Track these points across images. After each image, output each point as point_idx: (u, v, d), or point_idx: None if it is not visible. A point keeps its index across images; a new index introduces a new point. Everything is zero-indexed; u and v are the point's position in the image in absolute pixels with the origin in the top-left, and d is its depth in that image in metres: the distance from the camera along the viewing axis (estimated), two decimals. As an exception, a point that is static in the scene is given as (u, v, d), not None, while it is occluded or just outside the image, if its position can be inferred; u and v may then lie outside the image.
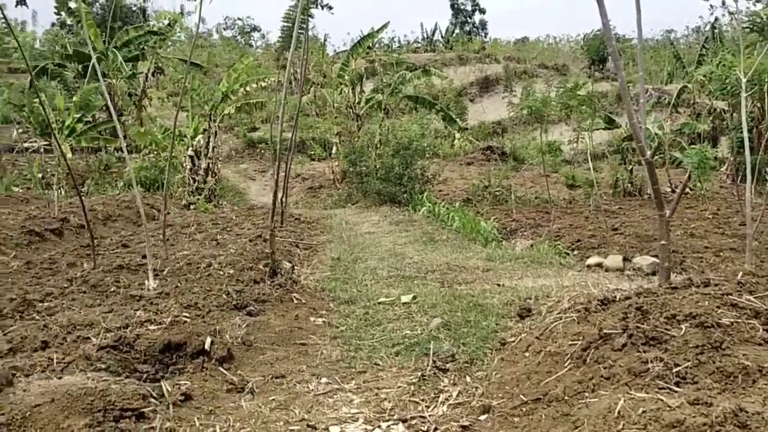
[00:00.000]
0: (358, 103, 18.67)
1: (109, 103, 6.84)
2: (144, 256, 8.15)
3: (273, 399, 3.51)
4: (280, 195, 9.65)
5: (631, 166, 14.97)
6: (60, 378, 3.42)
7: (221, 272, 6.87)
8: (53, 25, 32.01)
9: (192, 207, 15.24)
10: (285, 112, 21.60)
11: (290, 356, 4.24)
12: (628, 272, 6.96)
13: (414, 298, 5.51)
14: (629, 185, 14.92)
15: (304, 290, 5.93)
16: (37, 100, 15.65)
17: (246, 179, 21.35)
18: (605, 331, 3.71)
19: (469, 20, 48.26)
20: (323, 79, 20.07)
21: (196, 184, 15.69)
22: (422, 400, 3.46)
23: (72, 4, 19.84)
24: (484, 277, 6.39)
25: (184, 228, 11.34)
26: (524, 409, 3.25)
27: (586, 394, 3.23)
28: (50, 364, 3.77)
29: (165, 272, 7.00)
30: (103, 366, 3.64)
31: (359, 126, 18.27)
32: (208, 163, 16.04)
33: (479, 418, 3.22)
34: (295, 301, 5.51)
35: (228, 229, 10.86)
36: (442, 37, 42.91)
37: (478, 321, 4.74)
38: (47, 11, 72.18)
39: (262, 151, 22.72)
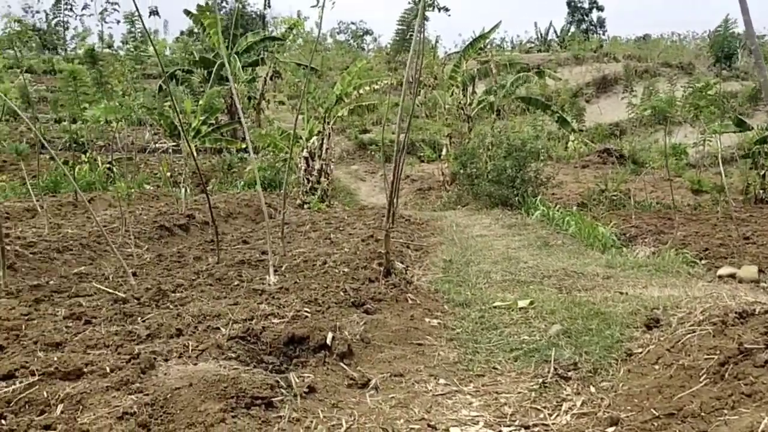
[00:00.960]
0: (470, 104, 18.55)
1: (238, 104, 7.18)
2: (263, 252, 8.52)
3: (392, 397, 3.55)
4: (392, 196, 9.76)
5: (764, 171, 13.91)
6: (195, 364, 3.63)
7: (336, 270, 7.04)
8: (182, 33, 34.15)
9: (306, 206, 15.74)
10: (397, 114, 21.84)
11: (407, 355, 4.26)
12: (764, 284, 6.46)
13: (531, 303, 5.39)
14: (761, 191, 13.86)
15: (418, 291, 5.95)
16: (167, 103, 16.75)
17: (356, 180, 21.79)
18: (746, 345, 3.47)
19: (586, 18, 46.69)
20: (434, 80, 20.09)
21: (310, 184, 16.18)
22: (544, 408, 3.37)
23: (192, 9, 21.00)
24: (605, 285, 6.14)
25: (299, 226, 11.74)
26: (656, 424, 3.08)
27: (725, 411, 3.02)
28: (185, 351, 4.00)
29: (283, 268, 7.27)
30: (233, 355, 3.82)
31: (470, 128, 18.15)
32: (322, 164, 16.50)
33: (606, 430, 3.09)
34: (410, 302, 5.54)
35: (341, 228, 11.11)
36: (557, 36, 41.79)
37: (600, 329, 4.56)
38: (177, 21, 77.19)
39: (373, 153, 23.08)
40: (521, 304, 5.39)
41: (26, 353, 4.17)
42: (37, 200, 11.84)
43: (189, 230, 11.71)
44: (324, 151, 16.50)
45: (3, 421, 2.89)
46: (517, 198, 13.43)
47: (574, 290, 5.93)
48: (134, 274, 7.10)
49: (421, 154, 21.57)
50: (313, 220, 12.52)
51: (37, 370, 3.67)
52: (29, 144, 17.10)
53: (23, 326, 4.96)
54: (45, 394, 3.29)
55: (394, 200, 6.59)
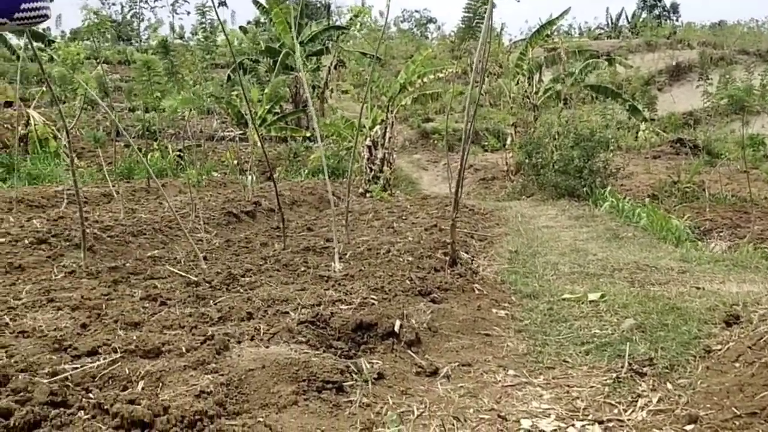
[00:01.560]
0: (536, 92, 18.19)
1: (307, 93, 7.26)
2: (328, 240, 8.61)
3: (461, 386, 3.53)
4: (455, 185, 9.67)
5: None
6: (267, 347, 3.71)
7: (401, 259, 7.04)
8: (248, 23, 34.78)
9: (368, 195, 15.81)
10: (460, 103, 21.62)
11: (475, 345, 4.23)
12: None
13: (602, 296, 5.25)
14: None
15: (484, 281, 5.90)
16: (234, 93, 17.10)
17: (419, 169, 21.73)
18: (836, 345, 3.28)
19: (659, 3, 44.98)
20: (499, 69, 19.80)
21: (373, 173, 16.24)
22: (618, 403, 3.29)
23: None
24: (680, 279, 5.93)
25: (362, 215, 11.81)
26: (737, 423, 2.96)
27: (814, 413, 2.87)
28: (257, 333, 4.09)
29: (347, 256, 7.33)
30: (303, 339, 3.88)
31: (536, 117, 17.81)
32: (384, 153, 16.53)
33: (685, 428, 2.99)
34: (477, 292, 5.49)
35: (403, 217, 11.12)
36: (628, 22, 40.44)
37: (676, 325, 4.40)
38: (245, 11, 78.54)
39: (435, 142, 22.97)
40: (592, 297, 5.26)
41: (107, 331, 4.36)
42: (113, 186, 12.32)
43: (255, 217, 11.96)
44: (387, 140, 16.51)
45: (90, 395, 3.02)
46: (584, 189, 13.10)
47: (648, 284, 5.75)
48: (205, 259, 7.31)
49: (485, 143, 21.31)
50: (375, 208, 12.57)
51: (118, 347, 3.83)
52: (105, 132, 17.80)
53: (103, 306, 5.19)
54: (127, 370, 3.43)
55: (460, 189, 6.55)
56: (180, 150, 16.95)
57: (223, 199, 12.65)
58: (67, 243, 8.14)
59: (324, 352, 3.78)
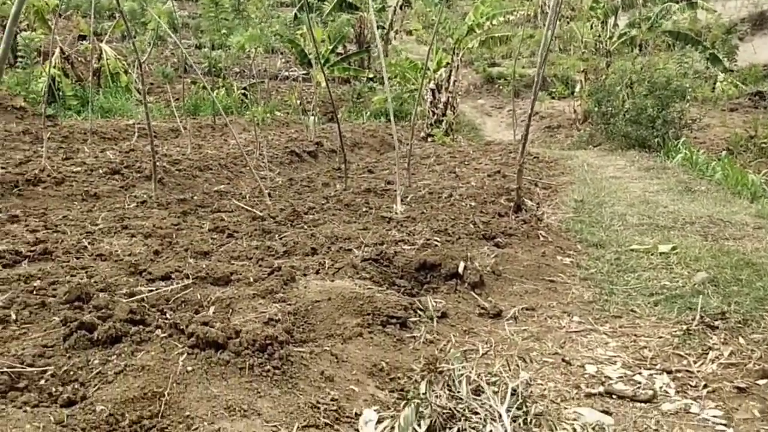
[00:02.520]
0: (609, 38, 17.40)
1: (375, 32, 7.12)
2: (389, 182, 8.61)
3: (525, 329, 3.51)
4: (520, 132, 9.45)
5: None
6: (332, 281, 3.76)
7: (463, 203, 6.99)
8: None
9: (430, 139, 15.66)
10: (528, 47, 20.89)
11: (539, 291, 4.19)
12: None
13: (673, 248, 5.08)
14: None
15: (549, 229, 5.79)
16: (299, 31, 17.00)
17: (482, 115, 21.32)
18: None
19: (747, -56, 41.79)
20: (571, 12, 18.97)
21: (435, 116, 16.03)
22: (688, 355, 3.21)
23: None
24: (756, 235, 5.67)
25: (423, 159, 11.73)
26: (815, 381, 2.85)
27: None
28: (321, 268, 4.16)
29: (409, 199, 7.32)
30: (367, 276, 3.92)
31: (608, 63, 17.09)
32: (448, 97, 16.25)
33: (757, 382, 2.90)
34: (541, 239, 5.41)
35: (465, 162, 10.97)
36: (711, -36, 37.85)
37: (751, 280, 4.23)
38: (307, -51, 77.27)
39: (500, 87, 22.41)
40: (662, 248, 5.10)
41: (178, 259, 4.52)
42: (181, 121, 12.58)
43: (317, 157, 12.05)
44: (451, 84, 16.21)
45: (166, 316, 3.15)
46: (656, 140, 12.59)
47: (721, 239, 5.53)
48: (269, 195, 7.44)
49: (552, 90, 20.65)
50: (437, 153, 12.45)
51: (190, 274, 3.96)
52: (174, 68, 18.08)
53: (174, 235, 5.36)
54: (198, 296, 3.55)
55: (527, 135, 6.37)
56: (245, 88, 17.08)
57: (286, 138, 12.77)
58: (138, 174, 8.41)
59: (387, 288, 3.81)
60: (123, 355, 2.61)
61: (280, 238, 5.25)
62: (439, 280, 4.07)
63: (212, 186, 8.57)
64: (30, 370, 2.51)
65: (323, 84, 18.19)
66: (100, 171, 8.39)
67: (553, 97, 20.50)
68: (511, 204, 6.46)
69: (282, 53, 20.50)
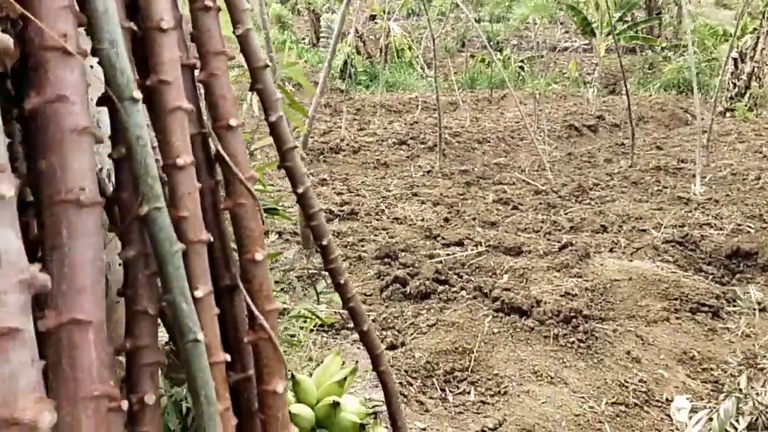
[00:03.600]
0: None
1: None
2: (681, 161, 7.91)
3: None
4: None
5: None
6: (630, 261, 3.60)
7: (775, 187, 6.13)
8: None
9: (729, 114, 13.97)
10: None
11: None
12: None
13: None
14: None
15: None
16: None
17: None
18: None
19: None
20: None
21: (737, 89, 14.22)
22: None
23: None
24: None
25: (722, 136, 10.53)
26: None
27: None
28: (615, 246, 4.00)
29: (707, 179, 6.64)
30: (670, 259, 3.66)
31: None
32: (753, 67, 14.26)
33: None
34: None
35: (776, 141, 9.58)
36: None
37: None
38: None
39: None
40: None
41: (467, 227, 4.70)
42: (459, 95, 12.99)
43: (597, 131, 11.54)
44: (758, 52, 14.18)
45: (464, 279, 3.31)
46: None
47: None
48: (549, 169, 7.34)
49: None
50: (738, 130, 11.07)
51: (480, 242, 4.10)
52: (454, 42, 18.67)
53: (459, 204, 5.60)
54: (491, 263, 3.66)
55: None
56: (521, 61, 16.97)
57: (563, 111, 12.44)
58: (422, 145, 8.93)
59: (694, 274, 3.52)
60: (432, 311, 2.81)
61: (566, 213, 5.16)
62: (755, 269, 3.63)
63: (491, 158, 8.73)
64: (355, 313, 2.83)
65: (602, 53, 17.26)
66: (389, 141, 9.09)
67: None
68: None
69: (561, 23, 19.90)
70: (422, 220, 5.01)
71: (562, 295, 3.01)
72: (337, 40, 3.87)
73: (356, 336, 2.58)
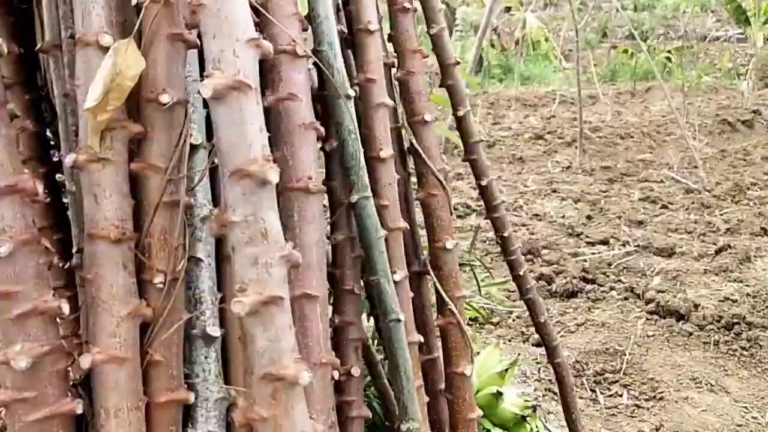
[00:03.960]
0: None
1: None
2: None
3: None
4: None
5: None
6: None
7: None
8: None
9: None
10: None
11: None
12: None
13: None
14: None
15: None
16: (739, -15, 15.06)
17: None
18: None
19: None
20: None
21: None
22: None
23: None
24: None
25: None
26: None
27: None
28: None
29: None
30: None
31: None
32: None
33: None
34: None
35: None
36: None
37: None
38: None
39: None
40: None
41: (612, 225, 4.54)
42: (599, 88, 12.46)
43: (753, 127, 10.64)
44: None
45: (613, 279, 3.21)
46: None
47: None
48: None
49: None
50: None
51: (627, 242, 3.95)
52: (594, 33, 17.94)
53: (602, 201, 5.41)
54: (641, 264, 3.52)
55: None
56: (669, 51, 15.99)
57: (715, 105, 11.59)
58: (560, 140, 8.69)
59: None
60: (580, 310, 2.76)
61: (721, 214, 4.84)
62: None
63: (634, 154, 8.33)
64: (500, 308, 2.85)
65: (760, 44, 15.85)
66: (525, 136, 8.93)
67: None
68: None
69: (712, 11, 18.53)
70: (563, 217, 4.90)
71: (721, 300, 2.85)
72: (483, 35, 3.87)
73: (499, 332, 2.60)
